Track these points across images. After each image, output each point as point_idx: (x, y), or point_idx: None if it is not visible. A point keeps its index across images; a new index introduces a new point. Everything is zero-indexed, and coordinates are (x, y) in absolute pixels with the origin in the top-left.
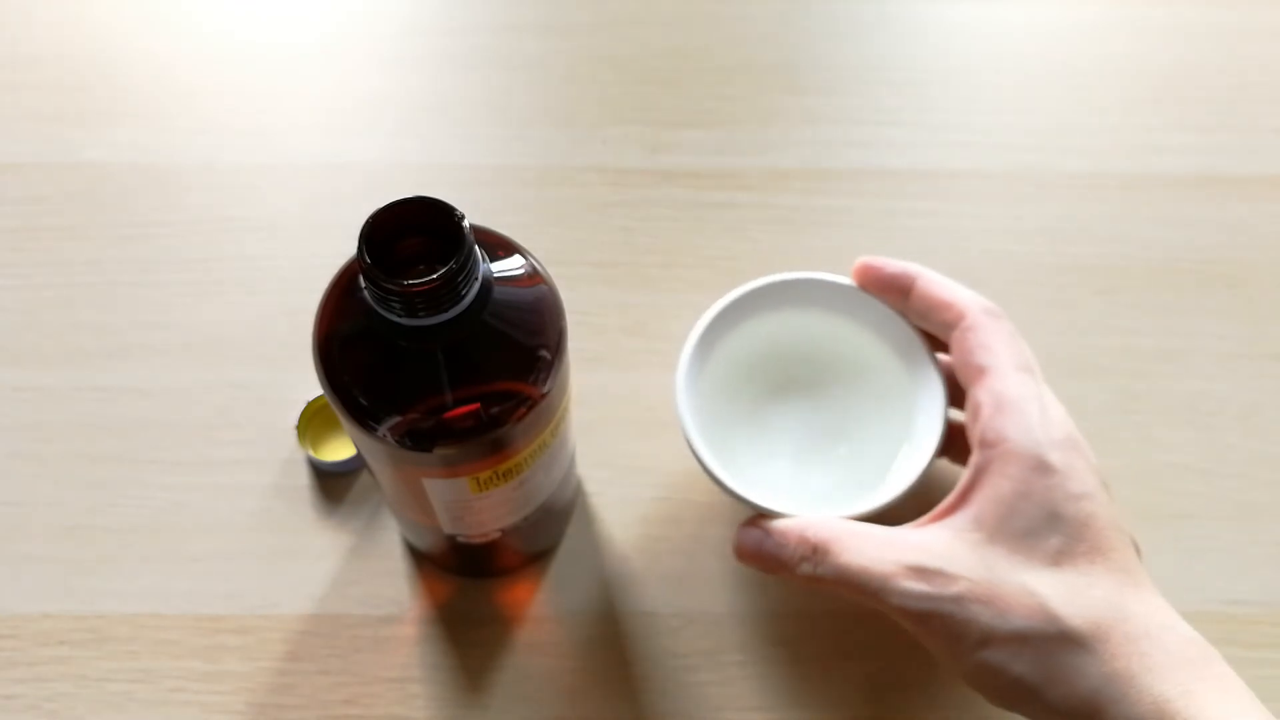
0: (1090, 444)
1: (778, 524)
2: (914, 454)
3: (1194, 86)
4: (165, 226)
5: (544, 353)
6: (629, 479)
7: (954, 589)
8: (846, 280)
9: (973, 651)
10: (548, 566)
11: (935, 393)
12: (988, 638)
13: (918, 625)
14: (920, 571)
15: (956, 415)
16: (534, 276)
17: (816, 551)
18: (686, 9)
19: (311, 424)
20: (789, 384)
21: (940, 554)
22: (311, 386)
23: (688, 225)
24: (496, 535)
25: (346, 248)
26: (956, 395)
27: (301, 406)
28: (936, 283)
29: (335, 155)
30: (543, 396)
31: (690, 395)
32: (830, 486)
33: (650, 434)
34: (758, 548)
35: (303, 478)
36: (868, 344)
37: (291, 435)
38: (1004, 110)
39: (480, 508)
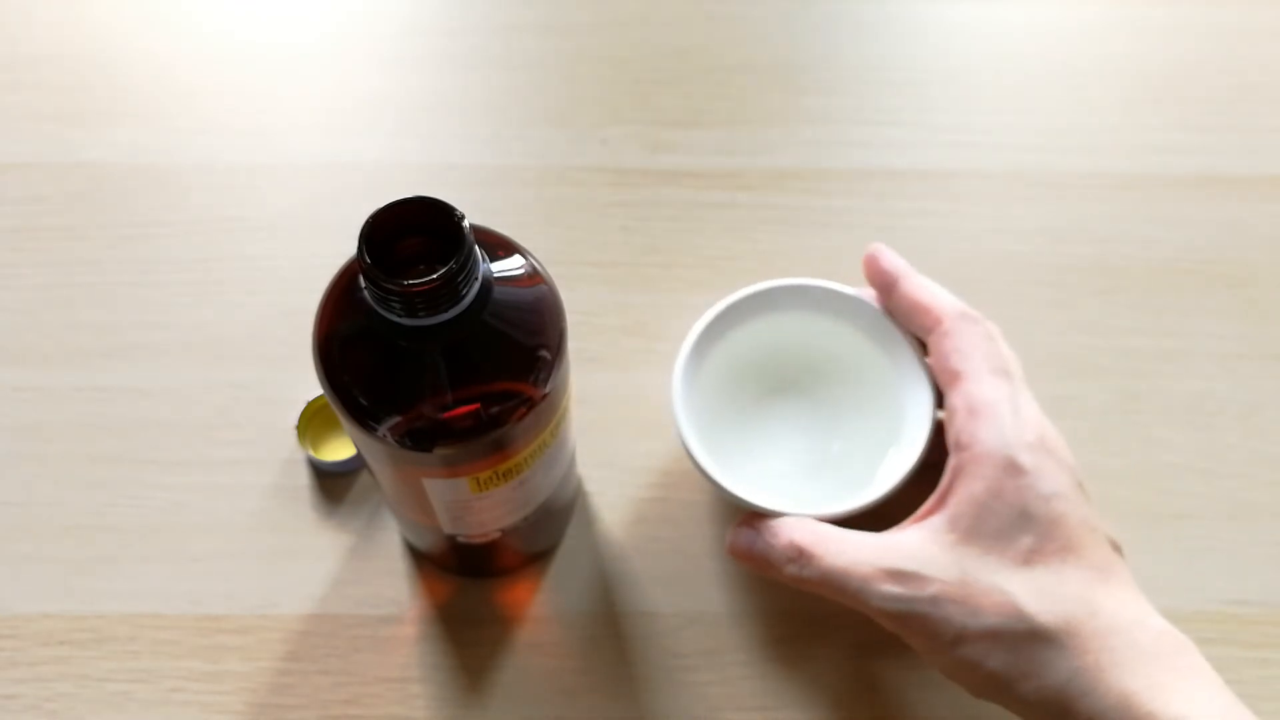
0: (1090, 444)
1: (767, 525)
2: (902, 454)
3: (1194, 86)
4: (165, 226)
5: (544, 353)
6: (629, 479)
7: (929, 590)
8: (840, 286)
9: (949, 649)
10: (548, 566)
11: (923, 395)
12: (962, 635)
13: (897, 626)
14: (896, 575)
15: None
16: (534, 276)
17: (802, 555)
18: (686, 9)
19: (311, 424)
20: (783, 386)
21: (916, 557)
22: (311, 386)
23: (688, 225)
24: (496, 535)
25: (346, 248)
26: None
27: (301, 406)
28: (918, 286)
29: (335, 155)
30: (543, 396)
31: (686, 396)
32: (823, 485)
33: (650, 434)
34: (750, 548)
35: (303, 478)
36: (860, 348)
37: (291, 435)
38: (1004, 110)
39: (480, 508)
